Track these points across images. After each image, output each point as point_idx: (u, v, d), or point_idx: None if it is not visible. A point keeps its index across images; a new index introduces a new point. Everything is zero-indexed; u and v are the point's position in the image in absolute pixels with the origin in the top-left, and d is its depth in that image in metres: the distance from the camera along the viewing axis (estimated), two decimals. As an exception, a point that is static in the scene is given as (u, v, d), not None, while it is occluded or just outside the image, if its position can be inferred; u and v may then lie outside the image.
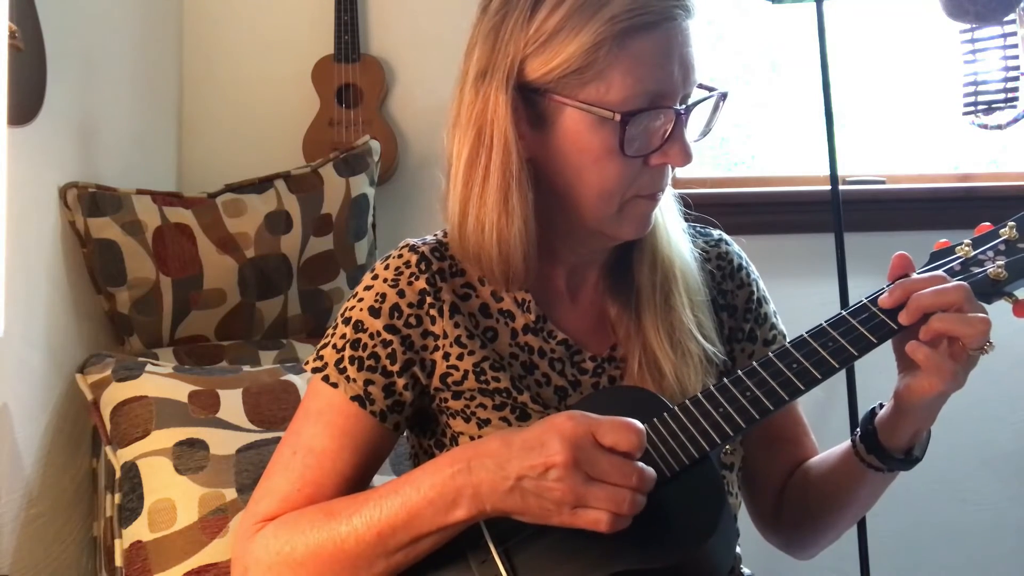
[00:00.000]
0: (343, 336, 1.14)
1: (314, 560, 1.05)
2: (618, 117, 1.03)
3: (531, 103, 1.08)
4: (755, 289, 1.26)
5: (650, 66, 1.04)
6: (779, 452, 1.26)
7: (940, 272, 1.04)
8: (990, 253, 1.06)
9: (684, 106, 1.07)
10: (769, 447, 1.25)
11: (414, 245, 1.17)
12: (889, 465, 1.11)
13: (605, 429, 0.96)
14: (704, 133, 1.13)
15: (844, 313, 1.04)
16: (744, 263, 1.28)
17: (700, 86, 1.09)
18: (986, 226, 1.09)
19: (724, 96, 1.11)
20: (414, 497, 1.01)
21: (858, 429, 1.13)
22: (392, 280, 1.14)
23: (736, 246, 1.29)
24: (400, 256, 1.16)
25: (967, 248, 1.06)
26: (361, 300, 1.15)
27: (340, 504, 1.07)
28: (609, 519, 0.94)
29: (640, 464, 0.95)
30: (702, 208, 1.28)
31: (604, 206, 1.09)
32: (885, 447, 1.10)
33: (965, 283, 1.01)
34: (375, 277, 1.16)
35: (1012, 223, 1.06)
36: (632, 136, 1.05)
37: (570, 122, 1.07)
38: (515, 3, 1.06)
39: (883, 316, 1.02)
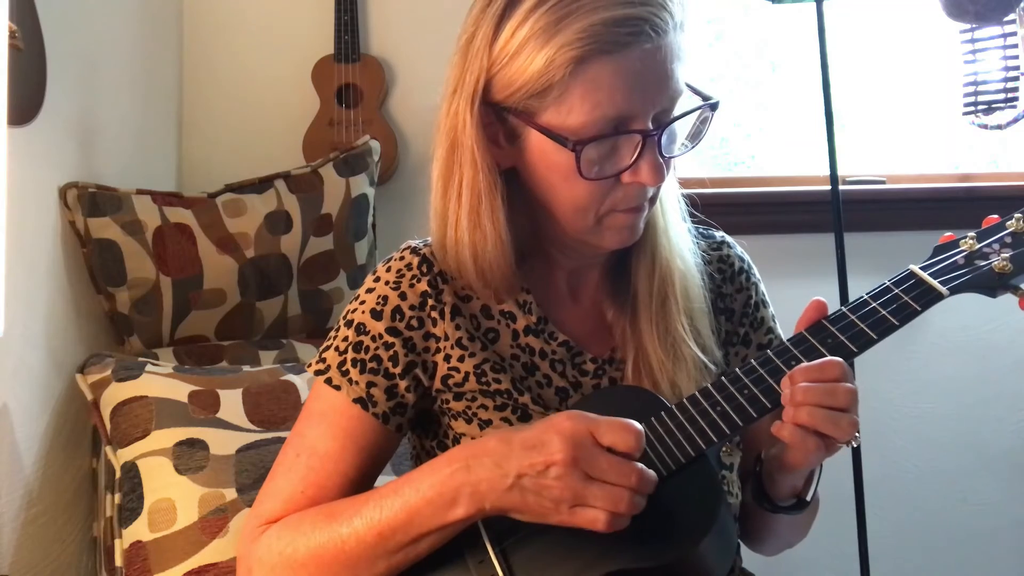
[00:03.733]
0: (345, 339, 1.14)
1: (316, 561, 1.05)
2: (571, 145, 1.03)
3: (502, 119, 1.08)
4: (754, 293, 1.26)
5: (608, 92, 1.02)
6: (749, 456, 1.25)
7: (835, 362, 1.00)
8: (996, 246, 1.04)
9: (655, 127, 1.05)
10: (744, 450, 1.24)
11: (415, 247, 1.17)
12: (780, 512, 1.10)
13: (604, 429, 0.96)
14: (689, 146, 1.12)
15: (844, 309, 1.04)
16: (745, 266, 1.27)
17: (692, 90, 1.08)
18: (993, 219, 1.07)
19: (713, 107, 1.09)
20: (414, 497, 1.01)
21: (750, 477, 1.12)
22: (394, 282, 1.14)
23: (738, 248, 1.28)
24: (402, 258, 1.16)
25: (971, 241, 1.05)
26: (363, 303, 1.15)
27: (342, 505, 1.07)
28: (607, 518, 0.94)
29: (640, 465, 0.96)
30: (701, 208, 1.28)
31: (580, 220, 1.09)
32: (772, 497, 1.09)
33: (853, 386, 0.98)
34: (377, 279, 1.16)
35: (1019, 215, 1.05)
36: (593, 159, 1.04)
37: (536, 141, 1.07)
38: (484, 19, 1.06)
39: (883, 312, 1.01)
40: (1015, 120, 2.35)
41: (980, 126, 2.40)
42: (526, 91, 1.04)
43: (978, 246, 1.05)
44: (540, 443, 0.96)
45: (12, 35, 1.33)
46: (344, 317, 1.16)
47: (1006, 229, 1.05)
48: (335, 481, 1.11)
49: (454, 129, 1.09)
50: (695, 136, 1.12)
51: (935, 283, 1.02)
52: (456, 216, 1.10)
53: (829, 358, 1.00)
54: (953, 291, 1.02)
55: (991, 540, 2.47)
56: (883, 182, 2.50)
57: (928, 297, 1.02)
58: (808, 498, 1.09)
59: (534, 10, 1.02)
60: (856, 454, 2.13)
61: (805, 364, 0.99)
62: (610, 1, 1.00)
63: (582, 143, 1.02)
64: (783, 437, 0.98)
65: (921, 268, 1.04)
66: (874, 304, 1.02)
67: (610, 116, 1.02)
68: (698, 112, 1.10)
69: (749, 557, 1.24)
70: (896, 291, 1.03)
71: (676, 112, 1.08)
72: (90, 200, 1.78)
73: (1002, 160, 2.68)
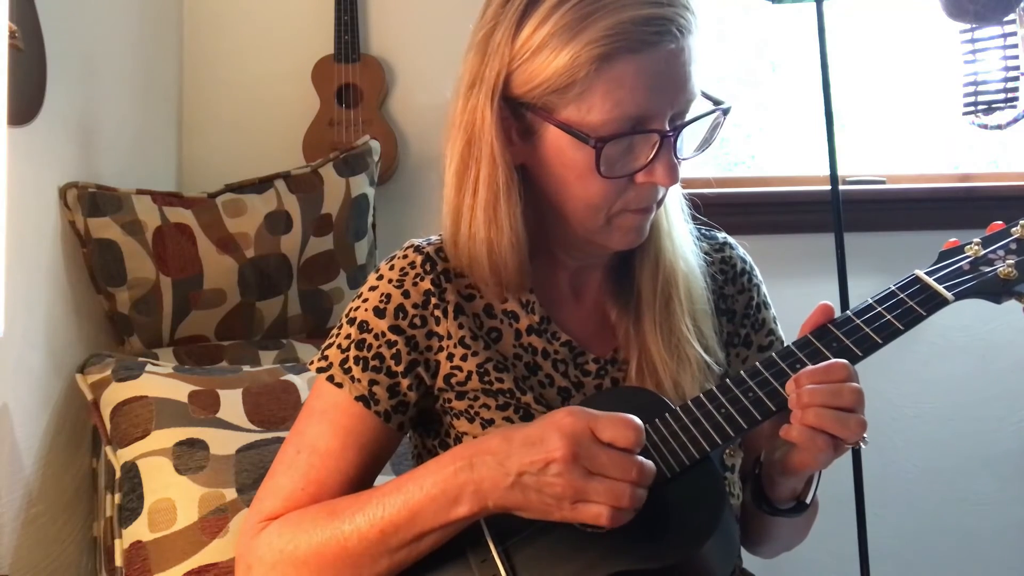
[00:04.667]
0: (348, 336, 1.14)
1: (317, 558, 1.05)
2: (592, 142, 1.03)
3: (518, 115, 1.08)
4: (755, 295, 1.26)
5: (630, 90, 1.02)
6: (748, 459, 1.25)
7: (842, 364, 0.99)
8: (1000, 252, 1.05)
9: (671, 127, 1.05)
10: (744, 451, 1.24)
11: (419, 246, 1.17)
12: (779, 515, 1.10)
13: (604, 425, 0.96)
14: (702, 148, 1.12)
15: (849, 313, 1.04)
16: (748, 268, 1.27)
17: (705, 95, 1.08)
18: (998, 225, 1.08)
19: (726, 112, 1.10)
20: (416, 495, 1.01)
21: (749, 479, 1.12)
22: (397, 281, 1.14)
23: (740, 250, 1.28)
24: (405, 257, 1.16)
25: (976, 247, 1.05)
26: (366, 300, 1.15)
27: (343, 503, 1.07)
28: (609, 513, 0.94)
29: (640, 458, 0.96)
30: (701, 208, 1.28)
31: (591, 219, 1.10)
32: (771, 500, 1.09)
33: (859, 386, 0.98)
34: (380, 278, 1.16)
35: None
36: (611, 158, 1.04)
37: (553, 138, 1.07)
38: (505, 14, 1.06)
39: (889, 316, 1.02)
40: (1015, 120, 2.35)
41: (980, 126, 2.40)
42: (547, 87, 1.04)
43: (983, 252, 1.05)
44: (540, 440, 0.96)
45: (12, 35, 1.33)
46: (347, 315, 1.16)
47: (1011, 235, 1.06)
48: (336, 479, 1.11)
49: (472, 124, 1.08)
50: (705, 143, 1.12)
51: (940, 288, 1.02)
52: (472, 212, 1.10)
53: (834, 360, 1.00)
54: (958, 296, 1.02)
55: (991, 540, 2.47)
56: (883, 182, 2.51)
57: (933, 302, 1.02)
58: (808, 500, 1.09)
59: (559, 6, 1.02)
60: (856, 454, 2.13)
61: (811, 367, 1.00)
62: (636, 0, 1.01)
63: (603, 141, 1.02)
64: (792, 438, 0.98)
65: (926, 273, 1.05)
66: (879, 308, 1.03)
67: (630, 115, 1.03)
68: (712, 116, 1.10)
69: (749, 558, 1.24)
70: (901, 296, 1.03)
71: (689, 115, 1.08)
72: (90, 200, 1.78)
73: (1002, 160, 2.68)
